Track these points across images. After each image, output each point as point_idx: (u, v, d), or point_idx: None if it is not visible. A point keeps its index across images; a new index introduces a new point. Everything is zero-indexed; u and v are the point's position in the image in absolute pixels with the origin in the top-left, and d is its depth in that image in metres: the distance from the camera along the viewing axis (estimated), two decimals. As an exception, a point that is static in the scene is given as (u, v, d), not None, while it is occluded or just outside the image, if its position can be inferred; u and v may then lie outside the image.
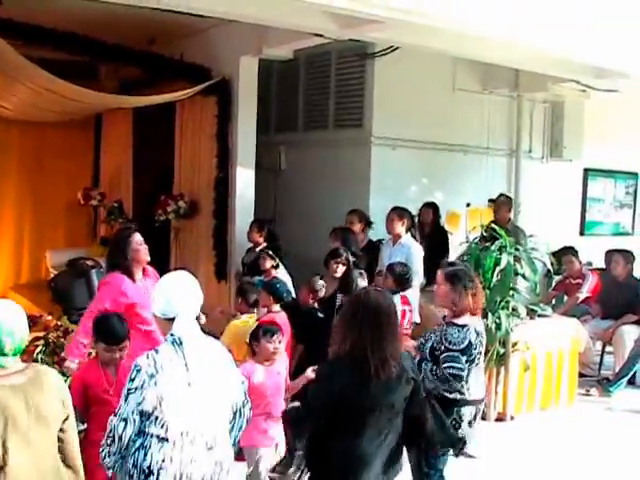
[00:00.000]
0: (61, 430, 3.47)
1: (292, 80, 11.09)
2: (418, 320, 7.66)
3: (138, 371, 3.75)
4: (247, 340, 5.53)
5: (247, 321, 6.53)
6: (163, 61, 9.61)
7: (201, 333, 3.98)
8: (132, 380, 3.74)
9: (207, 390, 3.86)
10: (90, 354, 5.55)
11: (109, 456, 3.78)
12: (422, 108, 10.11)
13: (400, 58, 9.34)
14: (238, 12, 7.20)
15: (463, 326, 4.98)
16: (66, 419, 3.49)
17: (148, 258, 5.78)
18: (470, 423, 5.02)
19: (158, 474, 3.74)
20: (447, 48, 8.32)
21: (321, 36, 7.96)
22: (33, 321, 8.64)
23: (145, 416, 3.74)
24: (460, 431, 4.97)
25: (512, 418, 7.63)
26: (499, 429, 7.30)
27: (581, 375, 8.73)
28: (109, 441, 3.76)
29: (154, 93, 9.48)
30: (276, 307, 6.58)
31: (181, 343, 3.81)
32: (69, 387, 3.72)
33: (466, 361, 4.89)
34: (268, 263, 7.82)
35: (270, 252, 7.96)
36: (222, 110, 9.38)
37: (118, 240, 5.92)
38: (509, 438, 7.08)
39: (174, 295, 3.93)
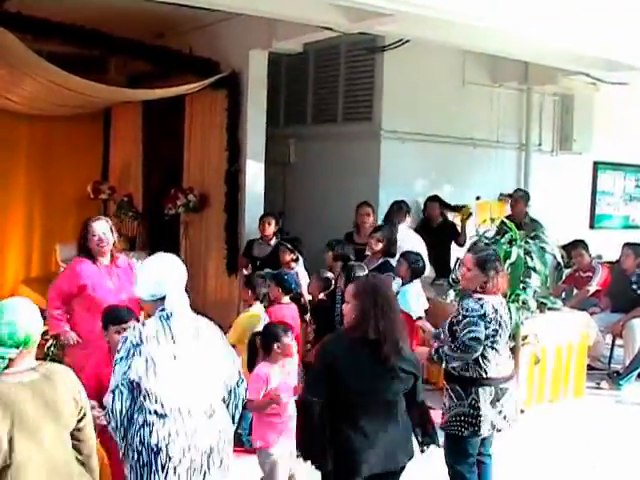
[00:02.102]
0: (77, 429, 3.46)
1: (301, 73, 11.09)
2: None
3: (124, 342, 3.89)
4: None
5: (257, 314, 6.54)
6: (172, 55, 9.58)
7: (189, 309, 4.08)
8: (118, 351, 3.88)
9: (196, 362, 3.95)
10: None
11: (115, 435, 3.89)
12: (431, 101, 10.11)
13: (409, 51, 9.33)
14: (247, 5, 7.21)
15: (479, 299, 5.02)
16: (81, 418, 3.47)
17: (105, 249, 5.94)
18: (492, 403, 5.02)
19: (167, 449, 3.83)
20: (457, 41, 8.32)
21: (330, 29, 7.96)
22: (43, 315, 8.68)
23: (136, 388, 3.82)
24: (478, 410, 4.97)
25: (522, 411, 7.61)
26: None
27: (591, 368, 8.72)
28: (107, 419, 3.88)
29: (163, 87, 9.47)
30: (285, 299, 6.59)
31: (168, 318, 3.93)
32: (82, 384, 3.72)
33: (485, 327, 4.90)
34: (288, 256, 7.83)
35: (289, 245, 7.95)
36: (231, 104, 9.37)
37: (82, 228, 6.11)
38: (520, 431, 7.05)
39: (162, 274, 4.04)
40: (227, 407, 4.15)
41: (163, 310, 3.96)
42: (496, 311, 5.02)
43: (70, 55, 9.18)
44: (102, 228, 5.94)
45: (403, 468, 4.28)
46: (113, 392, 3.83)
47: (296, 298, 6.89)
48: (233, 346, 6.29)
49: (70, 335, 5.87)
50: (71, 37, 8.61)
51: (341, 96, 10.59)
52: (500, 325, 5.03)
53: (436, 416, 6.97)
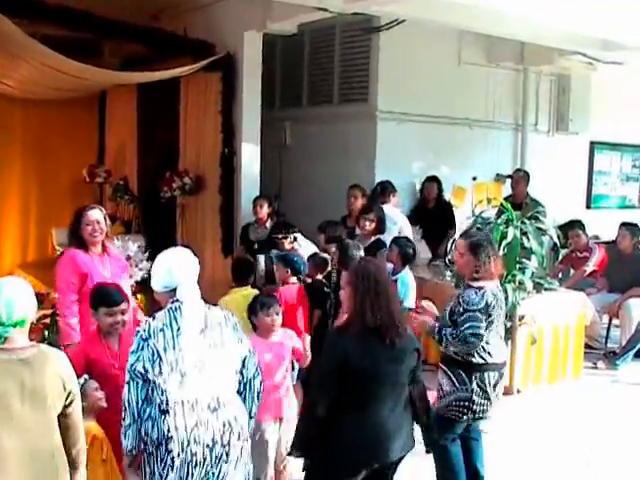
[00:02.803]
0: (63, 415, 3.45)
1: (296, 55, 11.04)
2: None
3: (136, 336, 3.96)
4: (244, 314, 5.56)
5: (238, 294, 6.55)
6: (166, 37, 9.52)
7: (202, 301, 4.12)
8: (133, 344, 3.95)
9: (202, 355, 3.97)
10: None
11: (125, 436, 3.95)
12: (427, 82, 10.08)
13: (405, 32, 9.30)
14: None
15: (480, 288, 4.99)
16: (69, 404, 3.46)
17: (98, 238, 5.82)
18: (494, 387, 5.05)
19: (167, 444, 3.89)
20: (452, 21, 8.29)
21: (325, 10, 7.92)
22: (40, 299, 8.66)
23: (145, 380, 3.89)
24: (484, 396, 4.99)
25: (519, 392, 7.64)
26: (506, 403, 7.29)
27: (588, 348, 8.74)
28: (123, 414, 3.93)
29: (158, 69, 9.41)
30: (293, 279, 6.62)
31: (177, 310, 3.98)
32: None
33: (485, 320, 4.91)
34: (287, 244, 7.76)
35: (280, 236, 7.84)
36: (226, 86, 9.32)
37: (74, 216, 5.97)
38: (516, 412, 7.10)
39: (174, 266, 4.10)
40: (244, 400, 4.16)
41: (174, 302, 4.00)
42: (495, 296, 5.02)
43: (64, 38, 9.09)
44: (96, 217, 5.80)
45: (402, 458, 4.26)
46: (128, 384, 3.90)
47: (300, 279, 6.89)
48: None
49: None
50: (64, 20, 8.53)
51: (337, 77, 10.55)
52: (501, 308, 5.07)
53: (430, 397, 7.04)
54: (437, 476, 5.23)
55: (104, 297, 4.87)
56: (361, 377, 4.00)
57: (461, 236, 5.42)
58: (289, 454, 4.50)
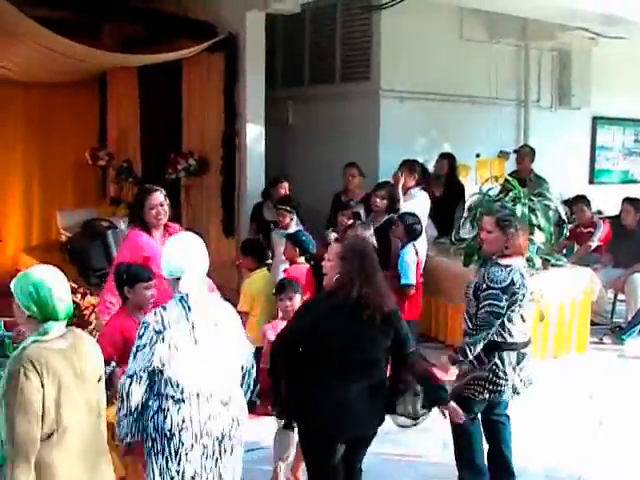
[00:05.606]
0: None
1: (298, 34, 11.00)
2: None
3: (146, 328, 3.84)
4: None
5: (260, 275, 6.62)
6: (167, 18, 9.49)
7: (214, 293, 4.13)
8: (140, 337, 3.83)
9: (215, 348, 3.93)
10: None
11: (119, 425, 3.86)
12: (429, 59, 10.06)
13: (406, 9, 9.27)
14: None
15: (507, 266, 4.94)
16: (99, 381, 3.52)
17: (163, 220, 5.78)
18: (514, 369, 5.03)
19: (180, 435, 3.83)
20: (455, -3, 8.26)
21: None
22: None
23: (156, 375, 3.82)
24: (502, 375, 4.97)
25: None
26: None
27: (593, 323, 8.75)
28: (119, 404, 3.84)
29: (158, 52, 9.36)
30: (300, 259, 6.63)
31: (187, 301, 3.90)
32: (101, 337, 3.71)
33: (506, 300, 4.87)
34: (288, 218, 7.83)
35: (288, 208, 7.93)
36: (229, 67, 9.28)
37: (136, 200, 5.97)
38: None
39: (178, 254, 4.00)
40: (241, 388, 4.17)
41: (180, 293, 3.95)
42: (522, 276, 4.96)
43: (64, 20, 9.05)
44: (160, 199, 5.74)
45: (374, 435, 4.33)
46: (131, 377, 3.80)
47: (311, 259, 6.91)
48: (245, 313, 6.31)
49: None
50: (65, 1, 8.51)
51: (338, 56, 10.53)
52: (526, 288, 4.99)
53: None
54: (455, 456, 5.26)
55: (140, 273, 4.96)
56: (329, 346, 4.07)
57: (486, 214, 5.38)
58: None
